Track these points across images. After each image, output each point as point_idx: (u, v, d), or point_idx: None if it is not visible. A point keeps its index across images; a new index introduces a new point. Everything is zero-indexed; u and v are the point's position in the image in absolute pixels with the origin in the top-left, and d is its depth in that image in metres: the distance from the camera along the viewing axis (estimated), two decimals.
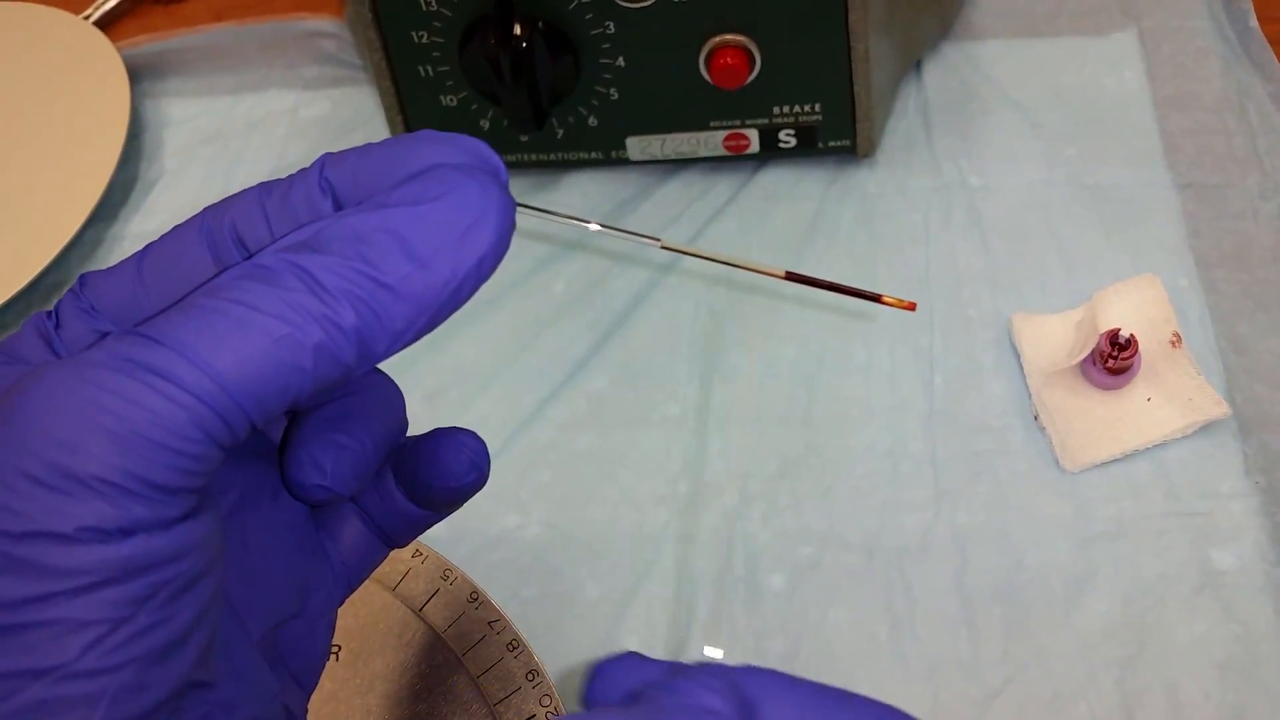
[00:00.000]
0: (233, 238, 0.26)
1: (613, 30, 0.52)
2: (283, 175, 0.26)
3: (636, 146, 0.57)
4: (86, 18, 0.70)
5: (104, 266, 0.27)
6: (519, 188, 0.59)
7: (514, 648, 0.43)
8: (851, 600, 0.46)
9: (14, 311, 0.58)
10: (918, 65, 0.61)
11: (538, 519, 0.50)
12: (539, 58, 0.52)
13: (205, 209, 0.26)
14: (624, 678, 0.27)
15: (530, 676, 0.42)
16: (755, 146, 0.57)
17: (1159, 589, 0.45)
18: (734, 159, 0.58)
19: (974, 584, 0.46)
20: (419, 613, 0.44)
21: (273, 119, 0.65)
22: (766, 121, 0.55)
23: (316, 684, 0.30)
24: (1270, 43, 0.60)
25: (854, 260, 0.55)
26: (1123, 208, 0.55)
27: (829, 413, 0.51)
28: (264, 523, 0.28)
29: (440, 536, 0.46)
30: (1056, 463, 0.48)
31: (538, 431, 0.52)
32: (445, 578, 0.45)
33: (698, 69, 0.53)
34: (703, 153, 0.57)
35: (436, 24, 0.53)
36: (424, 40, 0.53)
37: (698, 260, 0.54)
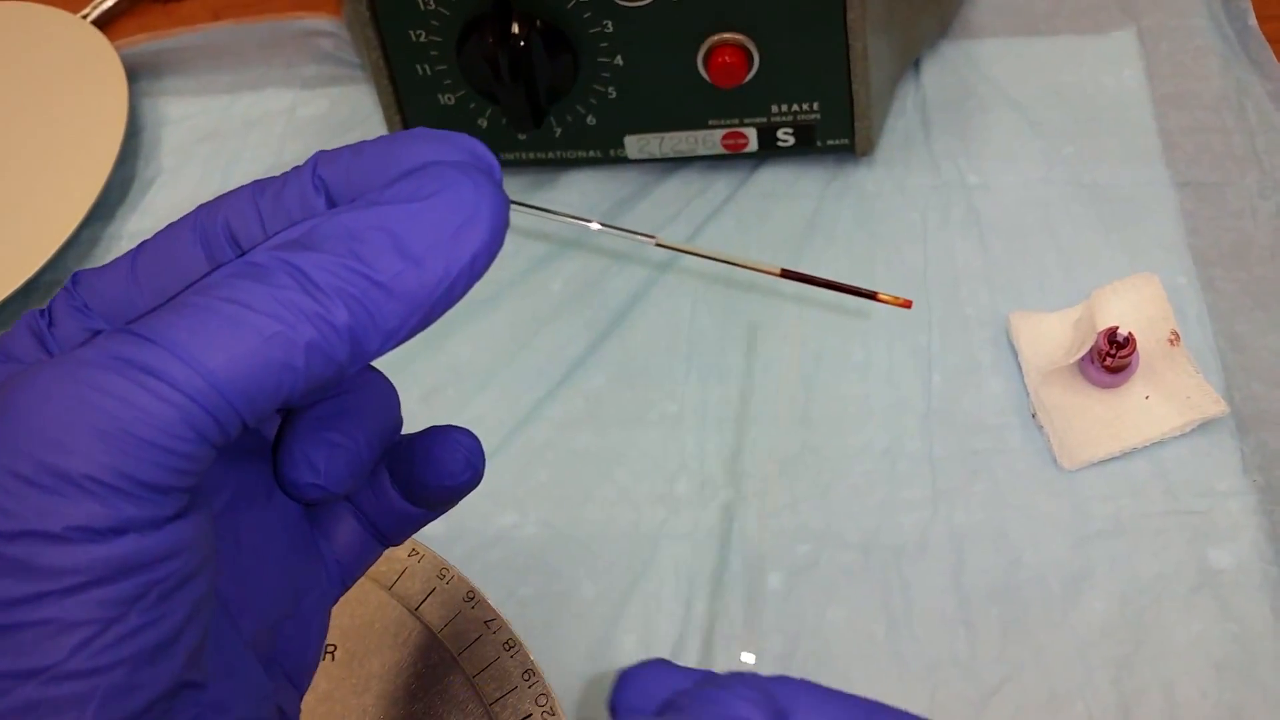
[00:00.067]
0: (226, 235, 0.26)
1: (611, 29, 0.52)
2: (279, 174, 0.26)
3: (635, 145, 0.57)
4: (84, 17, 0.70)
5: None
6: (517, 186, 0.59)
7: (510, 647, 0.43)
8: (849, 599, 0.46)
9: (11, 310, 0.58)
10: (916, 64, 0.61)
11: (535, 518, 0.50)
12: (537, 56, 0.52)
13: (199, 207, 0.26)
14: (654, 686, 0.27)
15: (526, 676, 0.42)
16: (753, 145, 0.56)
17: (1156, 588, 0.45)
18: (732, 157, 0.58)
19: (971, 583, 0.46)
20: (415, 612, 0.44)
21: (270, 118, 0.65)
22: (765, 120, 0.55)
23: (310, 684, 0.30)
24: (1269, 41, 0.59)
25: (852, 259, 0.55)
26: (1121, 206, 0.55)
27: (827, 411, 0.51)
28: (257, 522, 0.28)
29: (437, 535, 0.46)
30: (1054, 461, 0.48)
31: (535, 430, 0.52)
32: (442, 577, 0.45)
33: (696, 68, 0.53)
34: (701, 151, 0.57)
35: (434, 23, 0.53)
36: (422, 39, 0.53)
37: (696, 259, 0.54)
